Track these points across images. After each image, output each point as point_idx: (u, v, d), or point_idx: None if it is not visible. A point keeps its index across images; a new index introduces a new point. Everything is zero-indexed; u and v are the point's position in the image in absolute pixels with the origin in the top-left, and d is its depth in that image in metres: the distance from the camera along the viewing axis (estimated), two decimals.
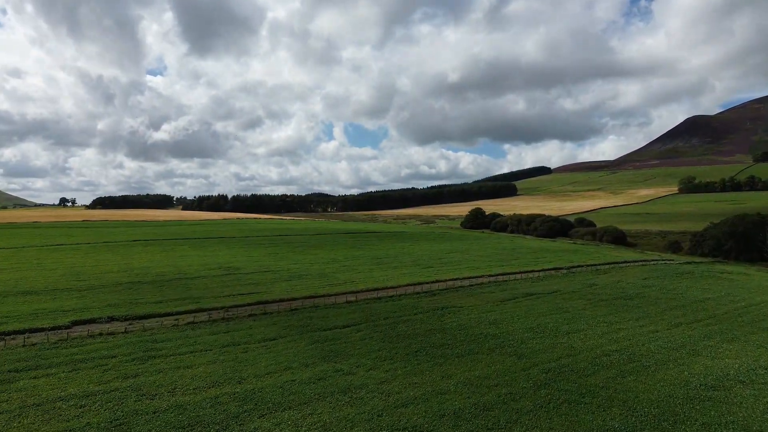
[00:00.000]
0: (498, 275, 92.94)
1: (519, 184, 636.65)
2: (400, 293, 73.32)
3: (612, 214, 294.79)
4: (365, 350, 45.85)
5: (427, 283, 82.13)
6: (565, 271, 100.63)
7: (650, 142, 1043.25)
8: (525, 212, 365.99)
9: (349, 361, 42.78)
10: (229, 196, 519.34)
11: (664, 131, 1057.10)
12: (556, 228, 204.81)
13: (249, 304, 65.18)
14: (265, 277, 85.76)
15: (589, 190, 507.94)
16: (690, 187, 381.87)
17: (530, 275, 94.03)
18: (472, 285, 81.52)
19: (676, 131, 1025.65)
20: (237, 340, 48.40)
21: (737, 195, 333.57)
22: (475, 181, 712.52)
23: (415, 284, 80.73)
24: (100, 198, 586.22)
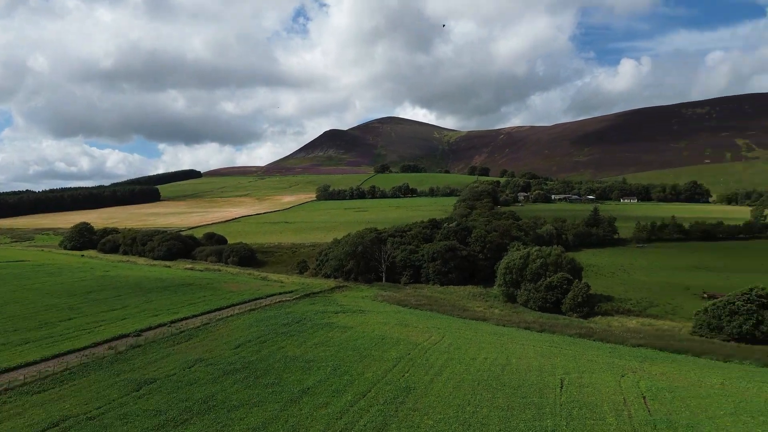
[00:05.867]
0: None
1: (166, 187, 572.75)
2: None
3: (254, 222, 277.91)
4: None
5: None
6: (129, 343, 64.66)
7: (296, 150, 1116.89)
8: (163, 221, 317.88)
9: None
10: None
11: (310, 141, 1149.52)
12: (177, 248, 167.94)
13: None
14: None
15: (237, 196, 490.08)
16: (326, 194, 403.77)
17: (39, 370, 54.20)
18: None
19: (318, 142, 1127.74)
20: None
21: (362, 202, 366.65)
22: (112, 184, 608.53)
23: None
24: None
